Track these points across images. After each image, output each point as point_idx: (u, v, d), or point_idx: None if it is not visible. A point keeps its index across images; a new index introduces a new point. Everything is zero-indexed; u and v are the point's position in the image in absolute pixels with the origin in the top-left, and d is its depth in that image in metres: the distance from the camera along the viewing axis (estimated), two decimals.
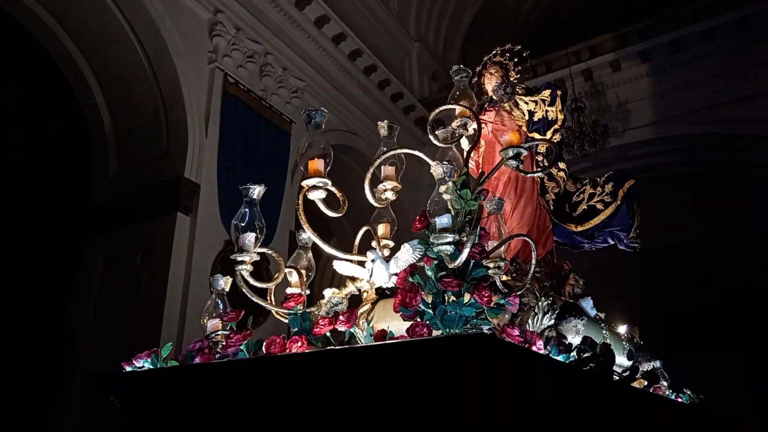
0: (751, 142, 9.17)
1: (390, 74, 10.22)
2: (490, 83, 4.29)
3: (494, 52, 4.42)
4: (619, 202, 3.90)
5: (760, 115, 8.66)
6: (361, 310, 2.30)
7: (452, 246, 1.90)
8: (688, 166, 10.81)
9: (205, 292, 6.26)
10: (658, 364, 4.09)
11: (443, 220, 1.92)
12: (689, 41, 9.29)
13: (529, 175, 3.82)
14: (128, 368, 2.38)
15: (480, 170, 3.79)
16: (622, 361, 3.73)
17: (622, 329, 4.12)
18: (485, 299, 1.79)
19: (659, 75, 9.64)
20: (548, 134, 4.05)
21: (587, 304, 3.54)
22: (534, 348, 1.96)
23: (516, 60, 4.38)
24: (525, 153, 2.36)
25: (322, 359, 1.87)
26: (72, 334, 6.65)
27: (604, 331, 3.48)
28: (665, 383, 4.02)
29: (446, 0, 12.50)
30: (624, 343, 3.87)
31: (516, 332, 1.89)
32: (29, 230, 8.53)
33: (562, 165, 4.15)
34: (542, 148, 4.07)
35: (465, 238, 1.93)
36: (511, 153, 2.25)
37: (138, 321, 6.01)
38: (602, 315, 3.88)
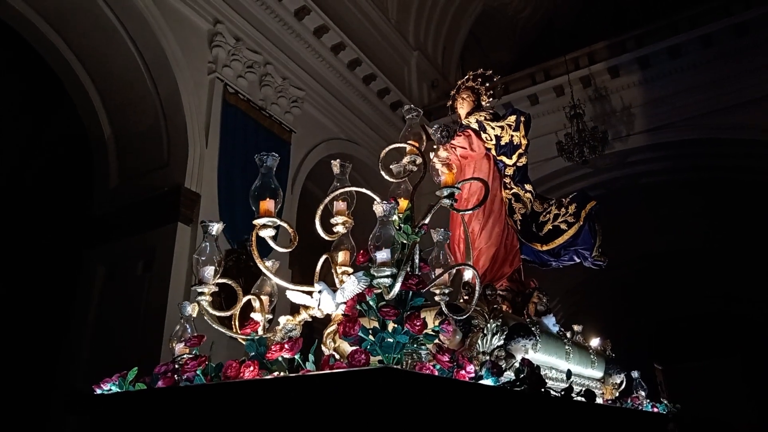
0: (751, 148, 9.19)
1: (389, 83, 10.26)
2: (462, 107, 4.49)
3: (467, 77, 4.58)
4: (581, 223, 4.07)
5: (760, 120, 8.68)
6: (327, 330, 2.51)
7: (390, 279, 2.07)
8: (687, 172, 10.83)
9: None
10: (635, 374, 4.17)
11: (382, 255, 2.09)
12: (687, 47, 9.34)
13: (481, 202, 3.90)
14: (97, 391, 2.48)
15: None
16: (591, 373, 3.87)
17: (595, 342, 4.21)
18: (417, 328, 1.96)
19: (658, 81, 9.68)
20: (513, 158, 4.24)
21: (549, 321, 3.66)
22: (464, 372, 2.07)
23: (487, 85, 4.53)
24: (458, 192, 2.58)
25: (253, 387, 2.01)
26: (72, 344, 6.63)
27: (566, 346, 3.57)
28: (643, 393, 4.15)
29: (444, 9, 12.57)
30: (592, 356, 3.95)
31: (446, 357, 2.02)
32: (30, 240, 8.54)
33: (528, 186, 4.31)
34: (509, 171, 4.24)
35: (402, 271, 2.09)
36: (445, 193, 2.51)
37: (139, 331, 5.99)
38: (579, 327, 4.00)
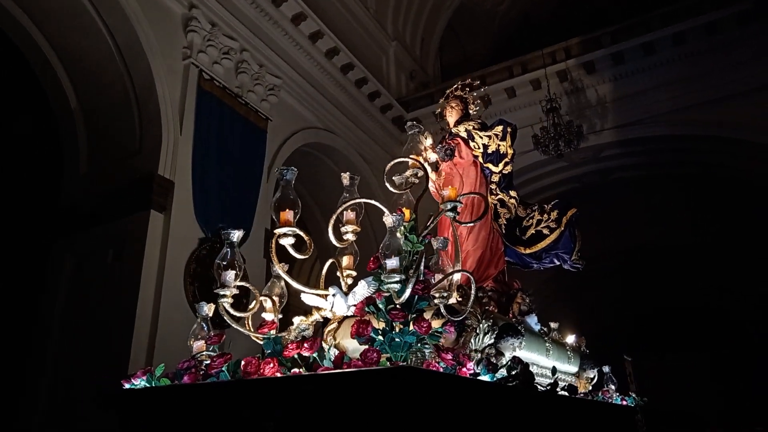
0: (723, 145, 9.39)
1: (367, 73, 10.20)
2: (451, 116, 4.71)
3: (455, 86, 4.80)
4: (562, 229, 4.32)
5: (733, 118, 8.88)
6: (328, 328, 2.78)
7: (399, 284, 2.30)
8: (660, 168, 11.02)
9: (180, 293, 6.21)
10: (606, 369, 4.51)
11: (392, 262, 2.31)
12: (661, 44, 9.48)
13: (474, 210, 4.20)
14: (126, 386, 2.65)
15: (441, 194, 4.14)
16: (568, 368, 4.13)
17: (570, 339, 4.46)
18: (424, 329, 2.19)
19: (632, 77, 9.83)
20: (500, 166, 4.48)
21: (532, 320, 3.91)
22: (465, 369, 2.30)
23: (474, 94, 4.78)
24: (461, 205, 2.86)
25: (283, 383, 2.19)
26: (41, 336, 6.50)
27: (546, 344, 3.85)
28: (613, 387, 4.41)
29: (423, 0, 12.55)
30: (569, 352, 4.20)
31: (449, 356, 2.24)
32: None
33: (513, 193, 4.56)
34: (495, 178, 4.49)
35: (410, 277, 2.34)
36: (449, 206, 2.77)
37: (109, 322, 5.87)
38: (555, 325, 4.26)
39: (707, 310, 16.77)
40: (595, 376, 4.33)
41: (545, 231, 4.36)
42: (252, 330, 2.77)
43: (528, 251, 4.39)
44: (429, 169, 3.20)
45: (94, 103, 7.03)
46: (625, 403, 4.48)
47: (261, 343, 2.60)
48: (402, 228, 2.59)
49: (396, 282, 2.30)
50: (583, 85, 10.15)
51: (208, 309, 2.91)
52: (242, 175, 7.39)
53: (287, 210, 2.65)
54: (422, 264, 2.59)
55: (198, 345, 2.77)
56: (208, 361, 2.57)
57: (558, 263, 4.45)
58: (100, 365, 5.70)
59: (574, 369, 4.25)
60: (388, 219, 2.49)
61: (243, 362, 2.35)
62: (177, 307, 6.06)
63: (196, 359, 2.66)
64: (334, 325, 2.76)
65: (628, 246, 14.21)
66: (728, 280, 15.30)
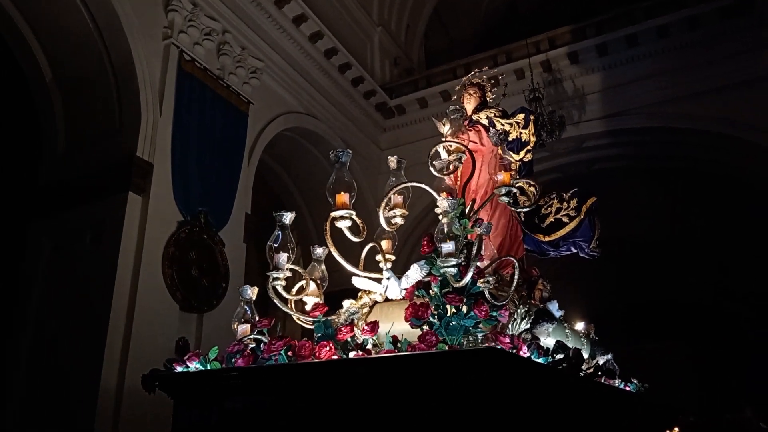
0: (706, 139, 9.49)
1: (351, 58, 10.12)
2: (469, 103, 4.73)
3: (473, 73, 4.85)
4: (582, 217, 4.41)
5: (710, 112, 8.97)
6: (362, 312, 2.81)
7: (455, 268, 2.34)
8: (642, 160, 11.12)
9: (157, 276, 6.15)
10: (609, 356, 4.50)
11: (448, 247, 2.36)
12: (644, 37, 9.53)
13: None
14: (178, 369, 2.69)
15: (458, 180, 4.18)
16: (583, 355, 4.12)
17: (580, 326, 4.53)
18: (483, 312, 2.23)
19: (615, 69, 9.87)
20: (521, 154, 4.55)
21: (553, 307, 3.97)
22: (521, 353, 2.32)
23: (492, 81, 4.84)
24: (515, 190, 2.95)
25: (355, 365, 2.23)
26: (16, 320, 6.41)
27: (566, 331, 3.92)
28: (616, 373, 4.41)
29: None
30: (582, 339, 4.29)
31: (507, 339, 2.24)
32: None
33: (533, 181, 4.57)
34: (515, 166, 4.50)
35: (470, 262, 2.38)
36: (504, 191, 2.89)
37: (86, 306, 5.81)
38: (562, 312, 4.28)
39: (701, 306, 16.96)
40: (606, 362, 4.44)
41: (565, 219, 4.46)
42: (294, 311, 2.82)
43: (547, 239, 4.49)
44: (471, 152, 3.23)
45: (72, 80, 6.89)
46: (628, 389, 4.58)
47: (310, 326, 2.63)
48: (453, 212, 2.59)
49: (453, 266, 2.33)
50: (566, 75, 10.18)
51: (251, 292, 2.91)
52: (223, 158, 7.32)
53: (343, 192, 2.69)
54: (480, 249, 2.61)
55: (243, 328, 2.78)
56: (253, 345, 2.60)
57: (575, 251, 4.54)
58: (77, 347, 5.65)
59: (585, 355, 4.30)
60: (443, 203, 2.52)
61: (297, 345, 2.39)
62: (155, 290, 6.02)
63: (243, 342, 2.66)
64: (365, 310, 2.79)
65: (612, 237, 14.32)
66: (722, 277, 15.48)
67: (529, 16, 13.03)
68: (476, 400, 1.93)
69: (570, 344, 3.69)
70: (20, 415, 5.91)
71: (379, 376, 2.10)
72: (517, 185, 4.47)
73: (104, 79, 6.68)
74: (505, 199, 2.84)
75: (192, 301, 6.38)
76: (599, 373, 4.23)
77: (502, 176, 2.92)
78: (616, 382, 4.40)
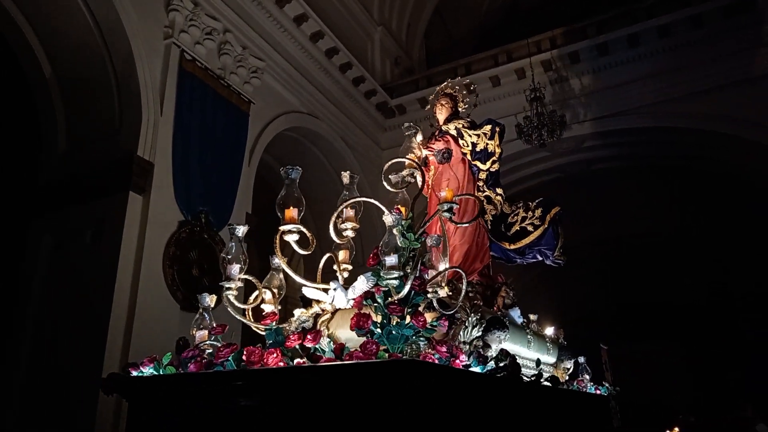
0: (708, 138, 9.48)
1: (352, 57, 10.12)
2: (441, 113, 4.85)
3: (445, 83, 4.93)
4: (546, 226, 4.53)
5: (712, 111, 8.96)
6: (322, 319, 2.89)
7: (397, 280, 2.43)
8: (642, 159, 11.12)
9: (158, 276, 6.14)
10: (582, 360, 4.72)
11: (391, 260, 2.45)
12: (645, 36, 9.52)
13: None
14: (134, 373, 2.75)
15: (430, 190, 4.31)
16: (547, 359, 4.31)
17: (549, 331, 4.65)
18: (421, 323, 2.32)
19: (616, 68, 9.86)
20: (487, 164, 4.62)
21: (515, 313, 4.09)
22: (458, 361, 2.44)
23: (465, 92, 4.90)
24: (456, 206, 3.02)
25: (290, 373, 2.31)
26: (16, 320, 6.40)
27: (528, 336, 4.02)
28: (587, 377, 4.64)
29: None
30: (548, 343, 4.37)
31: (444, 348, 2.35)
32: None
33: (499, 190, 4.72)
34: (483, 175, 4.64)
35: (408, 272, 2.48)
36: (445, 207, 2.94)
37: (86, 306, 5.80)
38: (535, 316, 4.47)
39: (696, 307, 16.93)
40: (571, 367, 4.49)
41: (529, 228, 4.56)
42: (252, 321, 2.88)
43: (512, 247, 4.59)
44: (422, 169, 3.42)
45: (72, 79, 6.88)
46: (599, 392, 4.66)
47: (262, 333, 2.72)
48: (399, 226, 2.71)
49: (395, 278, 2.43)
50: (567, 75, 10.17)
51: (209, 300, 3.00)
52: (223, 158, 7.31)
53: (291, 207, 2.79)
54: (420, 261, 2.74)
55: (200, 334, 2.86)
56: (210, 350, 2.68)
57: (541, 259, 4.64)
58: (77, 347, 5.65)
59: (552, 360, 4.39)
60: (388, 218, 2.62)
61: (245, 352, 2.44)
62: (155, 290, 6.02)
63: (199, 348, 2.75)
64: (327, 316, 2.90)
65: (610, 237, 14.33)
66: (721, 277, 15.46)
67: (530, 16, 13.02)
68: (395, 410, 2.01)
69: (532, 350, 3.94)
70: (20, 415, 5.91)
71: (318, 383, 2.19)
72: (484, 195, 4.62)
73: (105, 79, 6.67)
74: (446, 215, 2.93)
75: (193, 300, 6.38)
76: (567, 379, 4.34)
77: (445, 193, 3.00)
78: (588, 385, 4.53)
